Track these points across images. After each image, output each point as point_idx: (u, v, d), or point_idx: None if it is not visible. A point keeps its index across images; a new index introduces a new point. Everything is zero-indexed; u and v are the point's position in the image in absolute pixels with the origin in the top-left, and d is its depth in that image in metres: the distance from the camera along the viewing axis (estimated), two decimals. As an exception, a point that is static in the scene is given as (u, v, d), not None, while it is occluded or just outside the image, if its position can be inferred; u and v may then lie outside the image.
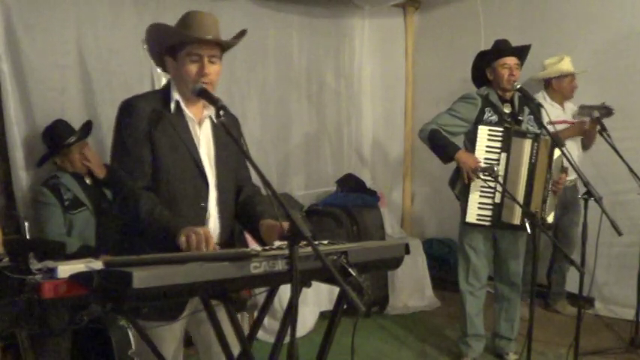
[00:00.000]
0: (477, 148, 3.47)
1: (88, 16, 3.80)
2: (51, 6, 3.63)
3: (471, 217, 3.51)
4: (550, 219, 3.58)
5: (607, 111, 4.11)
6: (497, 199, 3.46)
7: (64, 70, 3.71)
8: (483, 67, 3.64)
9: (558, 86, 4.45)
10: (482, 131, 3.48)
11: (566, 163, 3.42)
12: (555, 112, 4.25)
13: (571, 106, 4.47)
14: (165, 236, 1.97)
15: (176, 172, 2.15)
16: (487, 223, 3.49)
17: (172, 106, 2.17)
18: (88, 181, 3.48)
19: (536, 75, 4.48)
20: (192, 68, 2.11)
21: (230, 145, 2.27)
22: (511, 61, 3.53)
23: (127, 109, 2.15)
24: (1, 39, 3.41)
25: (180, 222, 2.01)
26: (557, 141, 3.30)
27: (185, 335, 2.35)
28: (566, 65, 4.40)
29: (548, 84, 4.49)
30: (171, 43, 2.15)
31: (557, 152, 3.39)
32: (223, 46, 2.19)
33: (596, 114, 4.06)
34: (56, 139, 3.43)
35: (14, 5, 3.45)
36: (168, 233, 1.96)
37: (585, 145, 4.41)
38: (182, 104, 2.18)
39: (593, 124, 4.14)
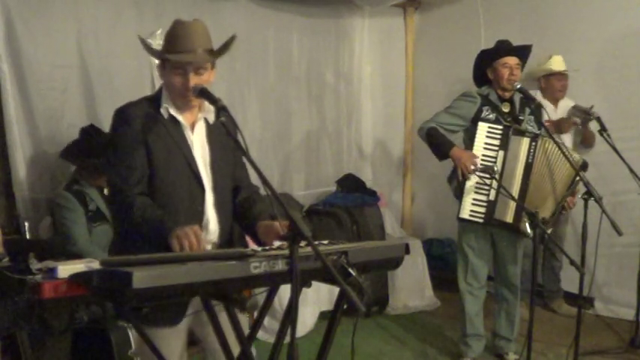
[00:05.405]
0: (476, 144, 3.48)
1: (88, 16, 3.79)
2: (51, 6, 3.63)
3: (464, 213, 3.51)
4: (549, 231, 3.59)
5: (586, 116, 4.13)
6: (492, 197, 3.46)
7: (64, 70, 3.71)
8: (484, 66, 3.64)
9: (547, 85, 4.46)
10: (482, 128, 3.49)
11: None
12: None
13: (567, 104, 4.45)
14: (158, 237, 1.97)
15: (171, 177, 2.15)
16: (480, 220, 3.50)
17: (164, 112, 2.18)
18: (106, 191, 3.38)
19: (529, 72, 4.47)
20: (178, 80, 2.12)
21: (226, 146, 2.27)
22: (512, 60, 3.53)
23: (121, 116, 2.16)
24: (1, 39, 3.41)
25: (172, 221, 2.01)
26: (581, 166, 3.35)
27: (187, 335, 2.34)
28: (554, 64, 4.39)
29: (540, 82, 4.50)
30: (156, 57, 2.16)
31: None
32: (214, 55, 2.18)
33: (587, 117, 4.08)
34: (88, 152, 3.31)
35: (14, 5, 3.45)
36: (160, 233, 1.97)
37: (585, 145, 4.42)
38: (173, 110, 2.18)
39: (569, 122, 4.22)
